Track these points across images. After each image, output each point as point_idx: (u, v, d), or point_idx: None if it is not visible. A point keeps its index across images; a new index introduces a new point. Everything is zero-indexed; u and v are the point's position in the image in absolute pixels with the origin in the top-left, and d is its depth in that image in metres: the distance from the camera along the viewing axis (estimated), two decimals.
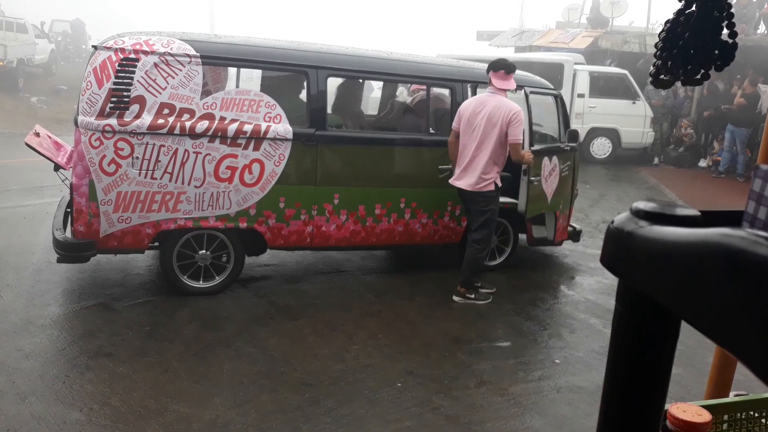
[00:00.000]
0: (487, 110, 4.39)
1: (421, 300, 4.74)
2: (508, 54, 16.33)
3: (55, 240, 4.13)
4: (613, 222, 0.45)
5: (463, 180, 4.51)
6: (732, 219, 0.47)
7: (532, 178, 4.79)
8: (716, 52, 1.42)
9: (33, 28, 18.02)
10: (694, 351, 3.85)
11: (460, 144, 4.51)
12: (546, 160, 4.96)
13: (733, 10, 1.40)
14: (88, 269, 4.74)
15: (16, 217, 5.96)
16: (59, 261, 4.20)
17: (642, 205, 0.44)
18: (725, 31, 1.42)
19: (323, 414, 3.12)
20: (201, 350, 3.68)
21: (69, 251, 4.10)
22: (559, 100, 5.40)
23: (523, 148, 4.50)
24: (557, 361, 3.92)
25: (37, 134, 4.58)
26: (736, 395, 1.32)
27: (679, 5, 1.43)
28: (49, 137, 4.79)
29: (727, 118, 11.02)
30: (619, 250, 0.43)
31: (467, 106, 4.52)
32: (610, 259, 0.45)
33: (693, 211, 0.43)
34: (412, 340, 4.12)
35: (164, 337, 3.80)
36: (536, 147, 4.87)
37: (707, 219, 0.42)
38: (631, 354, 0.45)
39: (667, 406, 1.01)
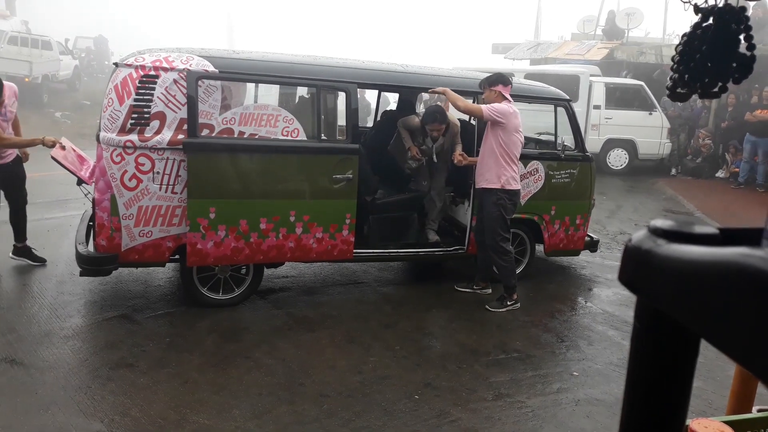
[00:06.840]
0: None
1: (438, 312, 4.73)
2: (524, 67, 16.32)
3: (78, 254, 4.19)
4: (630, 240, 0.45)
5: None
6: (751, 237, 0.46)
7: None
8: (734, 64, 1.42)
9: (57, 44, 18.42)
10: (714, 363, 3.80)
11: (518, 147, 4.65)
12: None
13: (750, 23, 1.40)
14: (109, 281, 4.80)
15: (40, 230, 6.06)
16: (82, 275, 4.26)
17: (660, 222, 0.44)
18: (743, 43, 1.42)
19: (341, 425, 3.13)
20: (220, 361, 3.71)
21: (91, 265, 4.17)
22: (562, 109, 5.39)
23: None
24: (575, 373, 3.89)
25: (63, 147, 4.68)
26: (759, 410, 1.30)
27: (696, 19, 1.42)
28: (74, 150, 4.89)
29: (746, 128, 10.88)
30: (637, 268, 0.43)
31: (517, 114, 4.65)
32: (628, 277, 0.45)
33: (711, 229, 0.43)
34: (429, 351, 4.11)
35: (184, 349, 3.84)
36: None
37: (726, 237, 0.43)
38: (650, 371, 0.45)
39: (688, 422, 1.00)
